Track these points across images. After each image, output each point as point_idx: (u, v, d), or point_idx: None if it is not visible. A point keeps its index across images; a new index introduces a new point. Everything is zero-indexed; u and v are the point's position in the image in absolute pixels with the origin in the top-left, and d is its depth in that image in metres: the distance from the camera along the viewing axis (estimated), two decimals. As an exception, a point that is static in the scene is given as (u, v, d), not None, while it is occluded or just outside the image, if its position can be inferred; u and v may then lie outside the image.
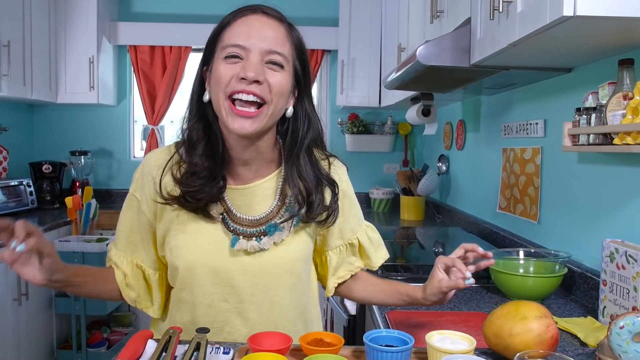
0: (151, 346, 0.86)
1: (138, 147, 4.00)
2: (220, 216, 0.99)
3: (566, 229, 1.74)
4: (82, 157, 3.63)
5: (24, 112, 3.71)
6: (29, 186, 3.26)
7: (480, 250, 1.04)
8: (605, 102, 1.38)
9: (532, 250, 1.72)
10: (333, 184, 1.03)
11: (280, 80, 0.93)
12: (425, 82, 2.17)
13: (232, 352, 0.93)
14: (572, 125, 1.53)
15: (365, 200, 3.83)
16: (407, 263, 2.05)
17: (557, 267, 1.58)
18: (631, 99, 1.28)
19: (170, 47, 3.69)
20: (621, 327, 0.82)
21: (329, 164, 1.07)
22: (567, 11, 1.05)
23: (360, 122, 3.80)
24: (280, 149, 1.05)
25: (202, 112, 1.00)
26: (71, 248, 2.82)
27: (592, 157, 1.59)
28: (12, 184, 3.14)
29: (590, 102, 1.50)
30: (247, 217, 1.00)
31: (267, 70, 0.92)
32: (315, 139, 1.04)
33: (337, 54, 3.58)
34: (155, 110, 3.74)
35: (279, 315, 1.03)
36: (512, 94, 2.20)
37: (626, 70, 1.33)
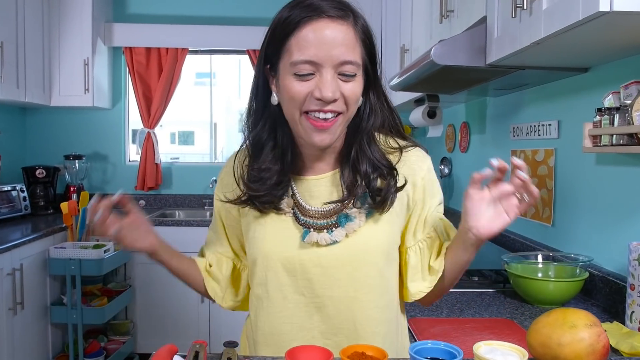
0: (178, 361, 0.80)
1: (134, 150, 3.92)
2: (291, 210, 0.99)
3: (584, 232, 1.70)
4: (77, 161, 3.54)
5: (17, 116, 3.62)
6: (22, 191, 3.18)
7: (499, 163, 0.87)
8: (629, 101, 1.35)
9: (550, 254, 1.68)
10: (392, 171, 0.98)
11: (354, 89, 0.92)
12: (434, 83, 2.14)
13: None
14: (593, 125, 1.50)
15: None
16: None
17: (577, 270, 1.55)
18: (659, 98, 1.25)
19: (167, 48, 3.63)
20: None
21: (401, 153, 1.01)
22: (604, 6, 1.01)
23: (359, 125, 3.75)
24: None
25: (267, 114, 0.98)
26: (67, 255, 2.74)
27: (612, 158, 1.56)
28: (5, 189, 3.05)
29: (610, 102, 1.47)
30: (317, 209, 0.98)
31: (340, 83, 0.90)
32: (377, 127, 1.00)
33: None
34: (151, 113, 3.67)
35: (359, 313, 0.97)
36: (522, 95, 2.17)
37: (653, 69, 1.30)
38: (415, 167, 1.01)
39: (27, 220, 3.14)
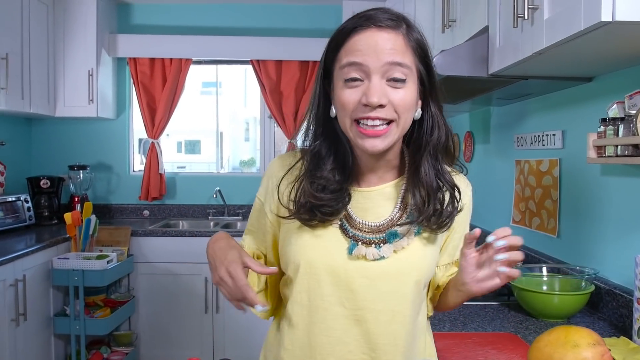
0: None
1: (138, 161, 3.93)
2: (339, 222, 0.97)
3: (589, 244, 1.68)
4: (81, 171, 3.55)
5: (22, 126, 3.64)
6: (27, 202, 3.18)
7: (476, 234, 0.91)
8: (634, 112, 1.33)
9: (555, 267, 1.65)
10: (454, 189, 0.98)
11: (404, 96, 0.90)
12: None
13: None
14: (597, 136, 1.48)
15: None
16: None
17: (583, 283, 1.52)
18: (664, 108, 1.23)
19: (171, 59, 3.64)
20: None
21: (455, 174, 1.02)
22: (606, 16, 1.00)
23: (363, 134, 3.74)
24: (405, 155, 1.02)
25: (328, 127, 0.98)
26: (70, 266, 2.73)
27: (617, 168, 1.53)
28: (10, 199, 3.05)
29: (615, 112, 1.45)
30: (367, 223, 0.97)
31: (389, 90, 0.89)
32: (441, 144, 0.98)
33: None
34: (155, 123, 3.67)
35: (400, 327, 0.96)
36: (525, 105, 2.15)
37: (657, 79, 1.28)
38: (462, 193, 1.01)
39: (32, 230, 3.14)
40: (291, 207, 0.97)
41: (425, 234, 0.97)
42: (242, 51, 3.64)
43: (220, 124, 4.19)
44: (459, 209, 0.98)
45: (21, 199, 3.15)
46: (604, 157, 1.44)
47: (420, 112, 0.95)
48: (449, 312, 1.57)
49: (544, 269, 1.63)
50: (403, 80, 0.89)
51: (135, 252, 3.20)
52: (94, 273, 2.74)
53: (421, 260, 0.97)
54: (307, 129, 1.00)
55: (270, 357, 1.07)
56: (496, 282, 0.92)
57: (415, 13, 2.66)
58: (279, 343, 1.03)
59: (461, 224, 1.04)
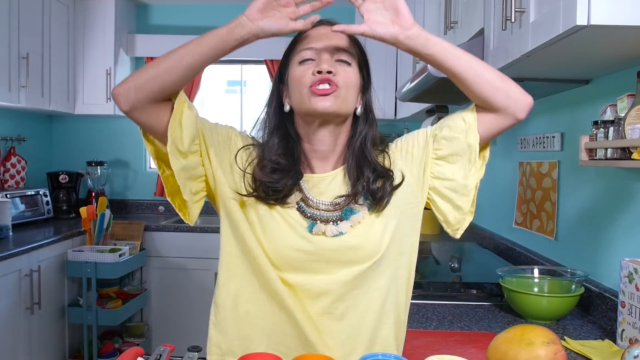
0: (141, 364, 0.83)
1: (154, 157, 4.02)
2: (296, 204, 1.04)
3: (584, 247, 1.67)
4: (99, 167, 3.66)
5: (43, 123, 3.77)
6: (46, 196, 3.30)
7: None
8: (624, 114, 1.33)
9: (548, 269, 1.65)
10: (386, 173, 1.05)
11: (349, 73, 1.02)
12: (439, 94, 2.13)
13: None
14: (589, 138, 1.47)
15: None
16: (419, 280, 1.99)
17: (573, 286, 1.52)
18: (651, 111, 1.23)
19: (187, 58, 3.71)
20: (635, 357, 0.77)
21: (386, 153, 1.09)
22: (581, 20, 1.01)
23: (375, 134, 3.76)
24: (349, 146, 1.10)
25: (281, 123, 1.08)
26: (84, 258, 2.83)
27: (610, 172, 1.53)
28: (29, 193, 3.17)
29: (608, 115, 1.44)
30: (324, 202, 1.05)
31: (337, 65, 1.01)
32: (374, 135, 1.08)
33: (352, 65, 3.56)
34: (171, 121, 3.76)
35: (366, 302, 1.04)
36: (528, 106, 2.14)
37: (645, 82, 1.27)
38: (393, 154, 1.09)
39: (50, 223, 3.26)
40: (245, 184, 1.04)
41: (377, 210, 1.04)
42: (257, 51, 3.69)
43: (245, 122, 4.26)
44: (395, 184, 1.05)
45: (40, 193, 3.27)
46: (595, 159, 1.44)
47: (362, 109, 1.06)
48: (439, 310, 1.59)
49: (536, 271, 1.64)
50: (349, 63, 1.02)
51: (148, 246, 3.29)
52: (106, 265, 2.83)
53: (377, 232, 1.04)
54: (263, 122, 1.10)
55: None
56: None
57: (424, 14, 2.67)
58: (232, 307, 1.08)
59: (413, 147, 1.09)
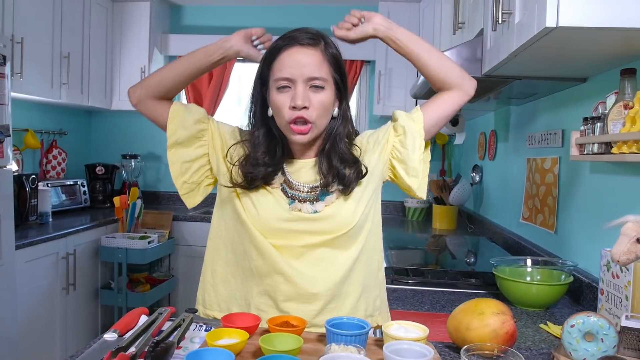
0: (143, 320, 0.97)
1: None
2: (280, 185, 1.21)
3: (579, 239, 1.73)
4: (133, 160, 3.87)
5: (83, 118, 4.02)
6: (83, 186, 3.53)
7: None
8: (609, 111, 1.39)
9: (541, 259, 1.72)
10: (355, 163, 1.22)
11: (322, 99, 1.16)
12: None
13: (213, 329, 1.02)
14: (580, 134, 1.54)
15: (400, 209, 3.85)
16: (429, 267, 2.08)
17: (563, 276, 1.58)
18: (631, 108, 1.29)
19: (217, 57, 3.89)
20: (572, 326, 0.85)
21: (356, 146, 1.25)
22: (550, 22, 1.09)
23: (397, 132, 3.84)
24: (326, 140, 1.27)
25: (264, 123, 1.23)
26: (116, 244, 3.03)
27: (601, 166, 1.59)
28: (68, 183, 3.41)
29: (600, 112, 1.50)
30: (303, 184, 1.21)
31: (311, 94, 1.15)
32: (347, 132, 1.24)
33: (375, 64, 3.66)
34: (200, 117, 3.94)
35: (337, 267, 1.19)
36: (536, 104, 2.20)
37: (627, 79, 1.34)
38: (361, 146, 1.27)
39: (86, 212, 3.49)
40: (233, 171, 1.20)
41: (347, 193, 1.20)
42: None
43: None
44: (363, 173, 1.21)
45: (79, 183, 3.50)
46: (584, 154, 1.51)
47: (338, 110, 1.21)
48: (433, 295, 1.68)
49: (529, 261, 1.70)
50: (322, 87, 1.16)
51: (176, 235, 3.48)
52: (136, 251, 3.02)
53: (347, 211, 1.19)
54: (249, 120, 1.25)
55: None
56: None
57: (442, 14, 2.75)
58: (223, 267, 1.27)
59: (379, 138, 1.28)
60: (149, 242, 3.06)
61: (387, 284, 1.78)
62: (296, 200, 1.20)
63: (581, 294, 1.60)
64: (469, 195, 3.16)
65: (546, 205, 2.01)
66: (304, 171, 1.23)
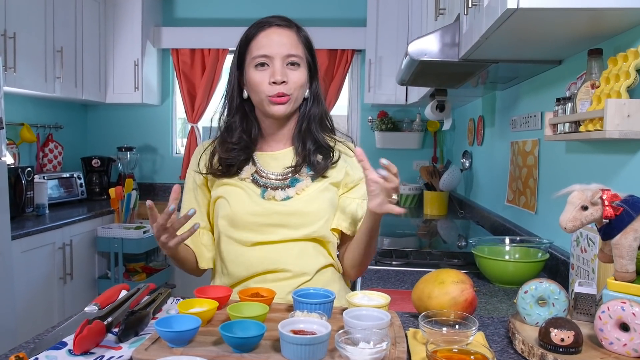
0: (123, 295, 1.01)
1: (180, 144, 4.27)
2: (251, 176, 1.26)
3: (556, 219, 1.76)
4: (128, 152, 3.92)
5: (78, 112, 4.06)
6: (79, 178, 3.58)
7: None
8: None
9: (519, 238, 1.76)
10: (328, 148, 1.29)
11: (299, 76, 1.24)
12: (429, 77, 2.24)
13: (185, 299, 1.07)
14: (553, 115, 1.57)
15: (394, 197, 3.89)
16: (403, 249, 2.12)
17: (539, 253, 1.63)
18: (598, 87, 1.33)
19: (209, 49, 3.93)
20: (525, 292, 0.89)
21: (335, 143, 1.32)
22: (511, 4, 1.12)
23: (389, 120, 3.88)
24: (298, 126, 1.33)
25: (240, 106, 1.30)
26: (112, 234, 3.09)
27: (575, 146, 1.62)
28: (65, 176, 3.46)
29: (572, 92, 1.54)
30: (273, 173, 1.27)
31: (288, 71, 1.22)
32: (319, 115, 1.30)
33: (365, 53, 3.69)
34: (194, 108, 3.99)
35: (310, 249, 1.26)
36: (518, 88, 2.23)
37: (594, 60, 1.37)
38: (340, 152, 1.32)
39: (83, 203, 3.54)
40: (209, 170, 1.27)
41: (318, 182, 1.26)
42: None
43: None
44: (332, 161, 1.26)
45: (75, 176, 3.55)
46: (556, 134, 1.54)
47: (310, 93, 1.27)
48: (415, 274, 1.72)
49: (507, 240, 1.75)
50: (298, 64, 1.23)
51: (172, 225, 3.53)
52: (131, 241, 3.08)
53: (318, 197, 1.25)
54: (224, 107, 1.31)
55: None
56: (388, 207, 1.10)
57: (428, 3, 2.77)
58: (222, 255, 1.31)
59: (351, 171, 1.31)
60: (144, 232, 3.12)
61: (371, 265, 1.84)
62: (269, 188, 1.25)
63: (557, 271, 1.65)
64: (459, 180, 3.20)
65: (528, 187, 2.05)
66: (274, 162, 1.29)
